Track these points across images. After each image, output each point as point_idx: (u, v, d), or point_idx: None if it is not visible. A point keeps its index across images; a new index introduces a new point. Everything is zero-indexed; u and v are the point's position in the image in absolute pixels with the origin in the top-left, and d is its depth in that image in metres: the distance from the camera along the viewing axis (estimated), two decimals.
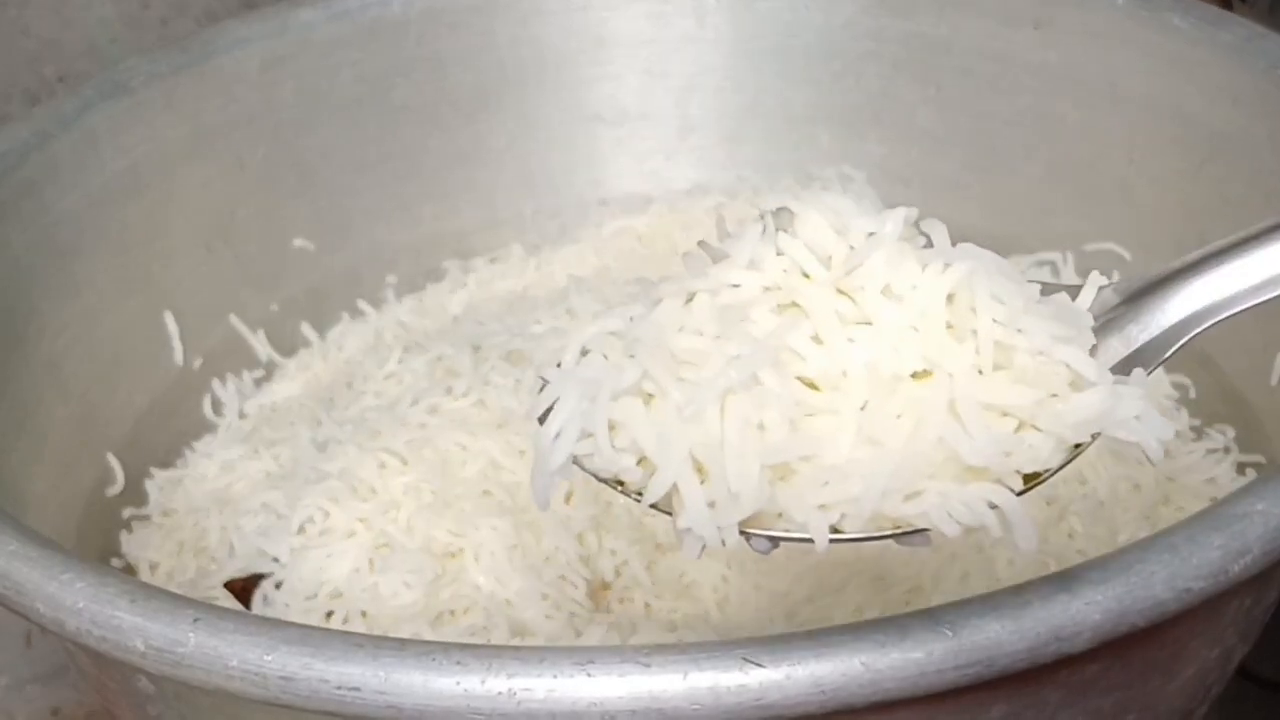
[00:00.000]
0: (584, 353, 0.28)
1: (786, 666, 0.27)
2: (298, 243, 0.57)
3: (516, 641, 0.42)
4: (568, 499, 0.46)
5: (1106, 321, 0.30)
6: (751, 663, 0.27)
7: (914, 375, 0.26)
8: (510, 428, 0.47)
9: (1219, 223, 0.50)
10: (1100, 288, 0.30)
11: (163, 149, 0.53)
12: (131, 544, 0.49)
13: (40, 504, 0.43)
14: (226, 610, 0.30)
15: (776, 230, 0.28)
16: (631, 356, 0.27)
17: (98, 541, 0.48)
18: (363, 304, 0.59)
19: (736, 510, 0.26)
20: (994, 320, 0.27)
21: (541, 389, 0.28)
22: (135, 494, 0.50)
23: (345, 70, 0.57)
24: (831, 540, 0.26)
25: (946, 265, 0.27)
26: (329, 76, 0.57)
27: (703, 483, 0.26)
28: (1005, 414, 0.26)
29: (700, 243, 0.29)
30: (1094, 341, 0.28)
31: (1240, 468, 0.48)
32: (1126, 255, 0.54)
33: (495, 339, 0.52)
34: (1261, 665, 0.46)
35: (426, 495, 0.45)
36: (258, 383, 0.56)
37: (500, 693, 0.27)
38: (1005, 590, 0.28)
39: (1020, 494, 0.27)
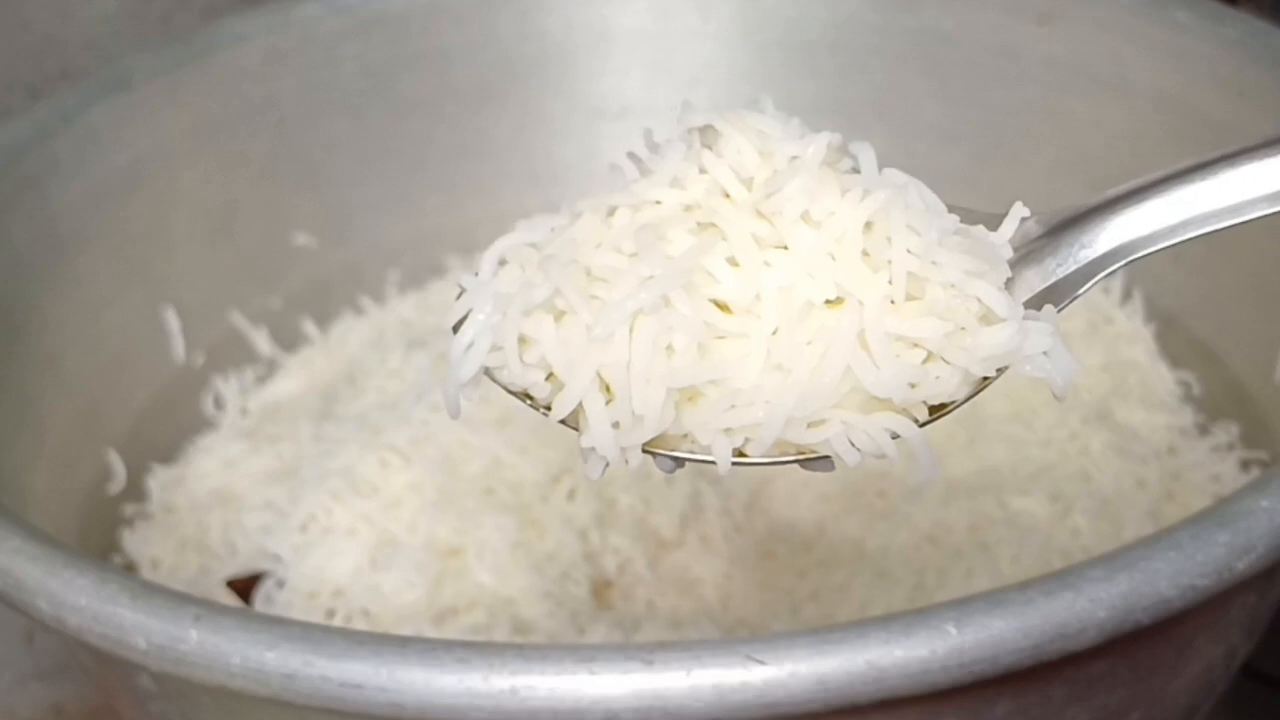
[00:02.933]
0: (502, 263, 0.28)
1: (790, 664, 0.27)
2: (300, 238, 0.57)
3: (519, 639, 0.42)
4: (571, 496, 0.45)
5: (1026, 254, 0.29)
6: (755, 660, 0.27)
7: (827, 303, 0.26)
8: (513, 425, 0.47)
9: None
10: (1023, 219, 0.29)
11: (164, 144, 0.53)
12: (133, 541, 0.49)
13: (41, 500, 0.43)
14: (228, 607, 0.30)
15: (702, 148, 0.28)
16: (545, 271, 0.27)
17: (99, 538, 0.48)
18: (365, 300, 0.59)
19: (640, 432, 0.26)
20: (908, 251, 0.26)
21: (458, 297, 0.28)
22: (136, 491, 0.50)
23: (348, 64, 0.57)
24: (734, 463, 0.26)
25: (866, 193, 0.27)
26: (331, 71, 0.57)
27: (609, 403, 0.26)
28: (914, 345, 0.26)
29: (629, 154, 0.29)
30: (1009, 275, 0.28)
31: (1245, 464, 0.48)
32: None
33: None
34: (1266, 662, 0.46)
35: (429, 493, 0.45)
36: (259, 379, 0.56)
37: (503, 690, 0.27)
38: (1010, 587, 0.28)
39: (924, 424, 0.27)
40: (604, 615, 0.44)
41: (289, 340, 0.57)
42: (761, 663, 0.27)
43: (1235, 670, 0.38)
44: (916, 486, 0.41)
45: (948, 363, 0.27)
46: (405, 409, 0.48)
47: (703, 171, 0.27)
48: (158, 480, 0.51)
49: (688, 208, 0.27)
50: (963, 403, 0.27)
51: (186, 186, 0.54)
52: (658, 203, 0.27)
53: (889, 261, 0.26)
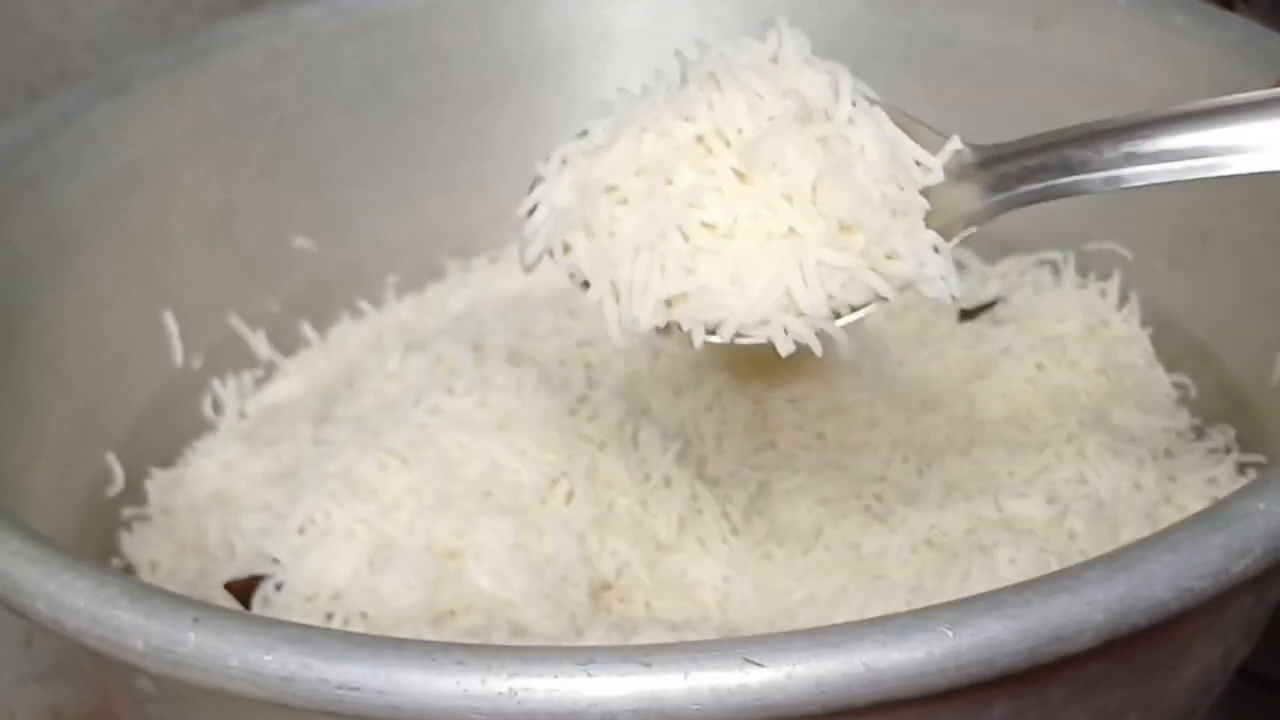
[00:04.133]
0: (563, 162, 0.36)
1: (787, 666, 0.27)
2: (298, 241, 0.57)
3: (517, 642, 0.42)
4: (569, 499, 0.46)
5: (959, 176, 0.35)
6: (752, 663, 0.27)
7: (784, 236, 0.34)
8: (512, 428, 0.47)
9: (1223, 221, 0.50)
10: (956, 151, 0.36)
11: (164, 144, 0.53)
12: (131, 544, 0.49)
13: (40, 503, 0.43)
14: (226, 610, 0.30)
15: (712, 90, 0.35)
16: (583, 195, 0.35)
17: (98, 541, 0.48)
18: (363, 303, 0.59)
19: (637, 328, 0.34)
20: (849, 201, 0.34)
21: (532, 187, 0.37)
22: (135, 493, 0.50)
23: (348, 65, 0.57)
24: (705, 340, 0.34)
25: (825, 147, 0.34)
26: (331, 71, 0.57)
27: (618, 303, 0.35)
28: (841, 269, 0.34)
29: (677, 52, 0.37)
30: (927, 207, 0.35)
31: (1241, 467, 0.48)
32: (1128, 254, 0.54)
33: (496, 338, 0.52)
34: (1263, 665, 0.46)
35: (427, 495, 0.45)
36: (258, 382, 0.56)
37: (501, 693, 0.27)
38: (1006, 589, 0.28)
39: (839, 319, 0.34)
40: (602, 618, 0.44)
41: (287, 343, 0.57)
42: (759, 665, 0.27)
43: (1232, 672, 0.38)
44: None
45: (865, 283, 0.34)
46: (404, 412, 0.48)
47: (711, 106, 0.35)
48: (156, 483, 0.51)
49: (698, 138, 0.35)
50: (873, 304, 0.35)
51: (186, 187, 0.54)
52: (671, 133, 0.35)
53: (831, 208, 0.34)
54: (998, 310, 0.55)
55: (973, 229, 0.35)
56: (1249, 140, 0.33)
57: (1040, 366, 0.51)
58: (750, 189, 0.34)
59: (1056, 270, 0.56)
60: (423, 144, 0.59)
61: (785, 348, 0.34)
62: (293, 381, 0.56)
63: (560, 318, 0.53)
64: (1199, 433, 0.50)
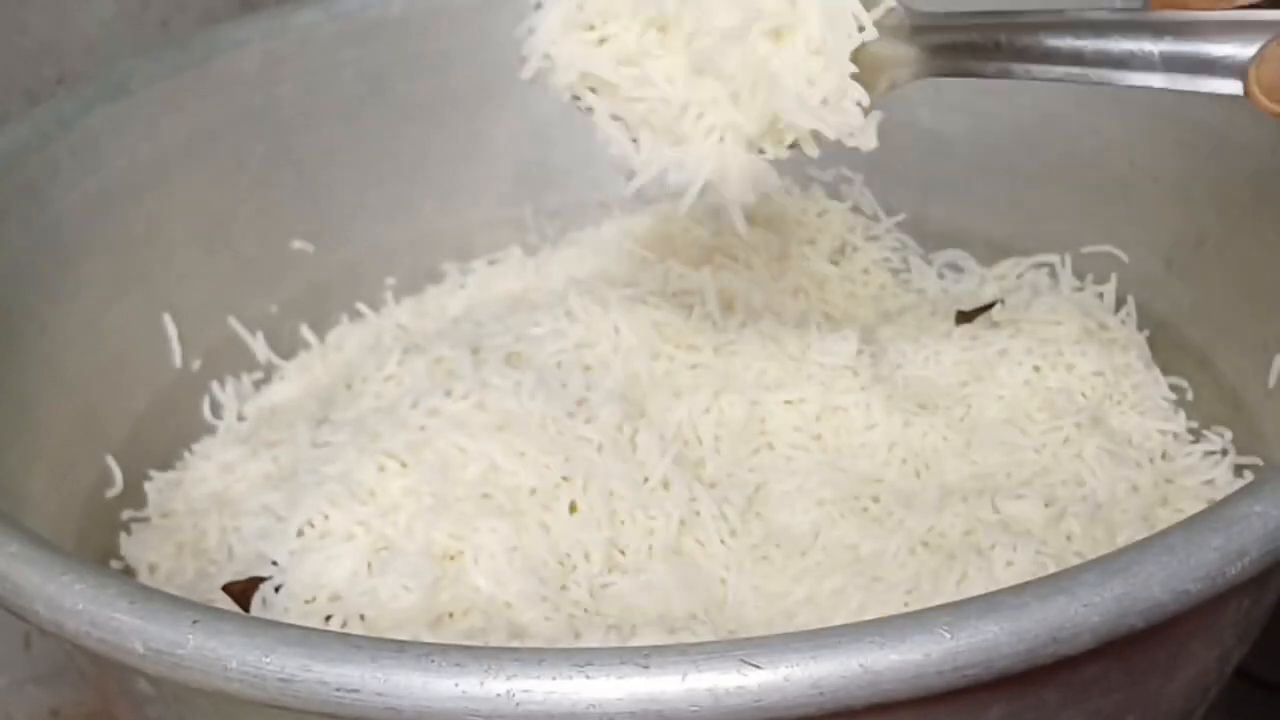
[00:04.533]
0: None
1: (785, 668, 0.27)
2: (297, 244, 0.57)
3: (515, 644, 0.42)
4: (567, 501, 0.46)
5: (890, 37, 0.39)
6: (750, 664, 0.27)
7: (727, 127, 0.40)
8: (510, 430, 0.47)
9: (1219, 224, 0.50)
10: (890, 9, 0.39)
11: (162, 149, 0.53)
12: (130, 546, 0.49)
13: (39, 506, 0.43)
14: (225, 612, 0.30)
15: None
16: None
17: (97, 543, 0.48)
18: (362, 305, 0.59)
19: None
20: (780, 101, 0.39)
21: (537, 6, 0.41)
22: (134, 496, 0.50)
23: (346, 70, 0.57)
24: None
25: (766, 56, 0.39)
26: (329, 76, 0.57)
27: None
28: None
29: None
30: (853, 70, 0.39)
31: (1238, 470, 0.48)
32: (1125, 257, 0.54)
33: (494, 341, 0.52)
34: (1260, 666, 0.46)
35: (426, 498, 0.45)
36: (256, 385, 0.56)
37: (499, 694, 0.27)
38: (1003, 591, 0.28)
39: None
40: (600, 620, 0.44)
41: (286, 345, 0.58)
42: (757, 666, 0.27)
43: (1229, 674, 0.38)
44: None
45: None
46: (402, 414, 0.48)
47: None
48: (155, 485, 0.51)
49: (659, 29, 0.39)
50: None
51: (185, 191, 0.54)
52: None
53: (767, 108, 0.39)
54: (995, 313, 0.55)
55: (895, 87, 0.39)
56: (1120, 53, 0.35)
57: (1037, 369, 0.51)
58: (703, 82, 0.40)
59: (1054, 273, 0.56)
60: (420, 147, 0.59)
61: (730, 192, 0.40)
62: (291, 384, 0.56)
63: (558, 320, 0.53)
64: (1196, 435, 0.50)
